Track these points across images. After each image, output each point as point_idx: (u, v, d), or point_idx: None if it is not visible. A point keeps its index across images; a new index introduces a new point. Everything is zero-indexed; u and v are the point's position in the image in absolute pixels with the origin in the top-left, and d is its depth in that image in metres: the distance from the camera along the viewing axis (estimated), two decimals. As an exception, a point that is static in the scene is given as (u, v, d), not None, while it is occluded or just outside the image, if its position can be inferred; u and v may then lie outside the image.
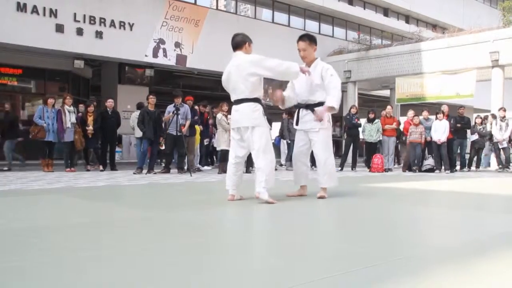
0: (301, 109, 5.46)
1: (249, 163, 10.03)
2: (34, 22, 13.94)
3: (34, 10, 13.92)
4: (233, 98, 5.04)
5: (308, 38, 5.42)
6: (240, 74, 4.87)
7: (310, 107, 5.33)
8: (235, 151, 5.10)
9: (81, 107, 12.16)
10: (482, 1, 32.00)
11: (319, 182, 5.40)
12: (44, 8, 14.12)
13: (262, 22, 20.34)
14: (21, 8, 13.70)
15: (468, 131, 13.93)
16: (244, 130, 4.91)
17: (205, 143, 13.03)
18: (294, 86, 5.46)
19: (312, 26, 22.12)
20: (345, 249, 2.83)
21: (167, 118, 10.65)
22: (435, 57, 17.69)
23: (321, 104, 5.26)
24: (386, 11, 25.94)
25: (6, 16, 13.44)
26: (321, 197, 5.30)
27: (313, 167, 8.41)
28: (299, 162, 5.59)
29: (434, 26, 27.54)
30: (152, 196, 6.15)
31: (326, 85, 5.22)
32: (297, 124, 5.51)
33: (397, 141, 14.03)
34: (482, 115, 15.05)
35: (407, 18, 27.13)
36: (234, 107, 5.04)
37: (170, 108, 10.65)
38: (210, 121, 13.06)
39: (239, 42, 5.09)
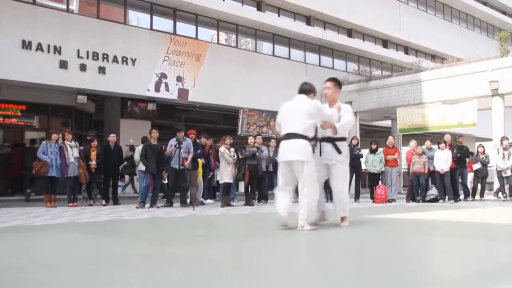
0: (323, 143, 5.84)
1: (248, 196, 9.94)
2: (39, 59, 14.14)
3: (39, 47, 14.14)
4: (284, 132, 5.47)
5: (335, 81, 6.01)
6: (300, 111, 5.40)
7: (331, 140, 5.76)
8: (285, 181, 5.52)
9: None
10: (479, 31, 32.41)
11: (334, 211, 5.85)
12: (49, 45, 14.34)
13: (262, 55, 20.59)
14: (26, 45, 13.93)
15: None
16: (296, 163, 5.33)
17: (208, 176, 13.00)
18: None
19: (312, 58, 22.38)
20: (346, 283, 2.80)
21: (169, 151, 10.67)
22: (435, 87, 17.79)
23: (341, 139, 5.79)
24: (385, 43, 26.26)
25: (11, 54, 13.65)
26: (343, 226, 5.73)
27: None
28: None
29: (433, 56, 27.82)
30: (154, 231, 6.12)
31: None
32: (320, 155, 5.86)
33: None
34: (485, 144, 15.04)
35: (406, 49, 27.44)
36: (284, 142, 5.44)
37: (172, 141, 10.68)
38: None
39: (307, 90, 5.64)
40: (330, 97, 5.90)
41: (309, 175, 5.33)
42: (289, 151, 5.36)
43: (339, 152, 5.72)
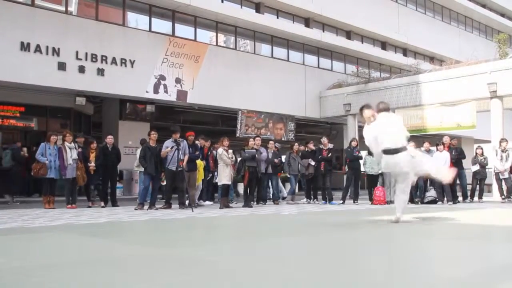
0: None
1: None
2: (37, 60, 14.11)
3: (37, 49, 14.12)
4: (387, 147, 6.54)
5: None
6: (398, 129, 6.68)
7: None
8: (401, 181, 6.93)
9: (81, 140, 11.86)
10: (478, 33, 32.45)
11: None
12: (47, 47, 14.32)
13: (261, 57, 20.58)
14: (25, 47, 13.91)
15: (469, 161, 13.93)
16: (405, 172, 6.67)
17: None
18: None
19: (311, 60, 22.36)
20: (347, 283, 2.80)
21: (164, 153, 10.61)
22: (433, 89, 17.82)
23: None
24: (383, 45, 26.27)
25: (10, 55, 13.62)
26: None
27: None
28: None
29: (432, 58, 27.85)
30: (153, 232, 6.11)
31: None
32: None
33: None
34: (483, 145, 15.05)
35: (405, 51, 27.45)
36: (391, 156, 6.54)
37: (169, 143, 10.64)
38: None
39: (387, 109, 6.98)
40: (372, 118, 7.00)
41: (409, 182, 6.85)
42: (398, 163, 6.55)
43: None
